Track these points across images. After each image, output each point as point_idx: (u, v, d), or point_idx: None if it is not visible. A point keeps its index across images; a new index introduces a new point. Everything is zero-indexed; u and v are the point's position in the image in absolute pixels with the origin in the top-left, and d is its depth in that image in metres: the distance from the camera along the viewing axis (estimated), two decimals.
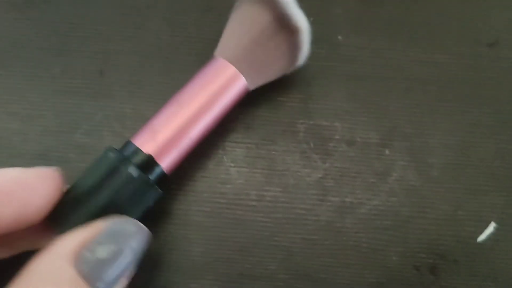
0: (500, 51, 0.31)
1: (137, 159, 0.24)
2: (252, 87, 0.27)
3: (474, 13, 0.32)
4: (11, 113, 0.29)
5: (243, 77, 0.26)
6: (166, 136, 0.25)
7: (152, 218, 0.27)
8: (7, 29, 0.30)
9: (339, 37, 0.31)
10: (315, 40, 0.30)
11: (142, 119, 0.25)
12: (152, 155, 0.24)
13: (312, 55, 0.30)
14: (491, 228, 0.28)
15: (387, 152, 0.29)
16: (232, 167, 0.28)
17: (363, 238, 0.27)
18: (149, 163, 0.24)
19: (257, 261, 0.27)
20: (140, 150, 0.24)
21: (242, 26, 0.26)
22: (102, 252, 0.20)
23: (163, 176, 0.25)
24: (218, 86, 0.25)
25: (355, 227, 0.28)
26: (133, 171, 0.23)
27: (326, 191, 0.28)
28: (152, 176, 0.24)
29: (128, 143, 0.25)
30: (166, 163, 0.25)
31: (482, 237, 0.28)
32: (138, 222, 0.22)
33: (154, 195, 0.24)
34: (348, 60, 0.31)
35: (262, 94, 0.29)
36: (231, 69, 0.26)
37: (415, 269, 0.27)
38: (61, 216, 0.23)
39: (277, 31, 0.26)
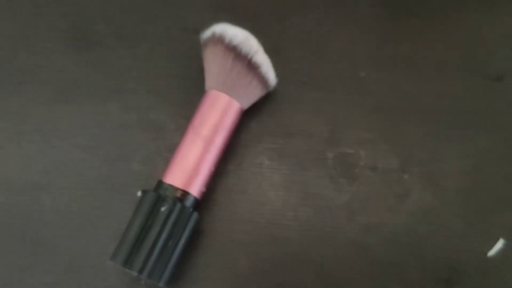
0: (507, 85, 0.35)
1: (171, 194, 0.28)
2: (246, 106, 0.31)
3: (484, 50, 0.35)
4: (76, 144, 0.33)
5: (236, 101, 0.30)
6: (189, 168, 0.29)
7: (201, 237, 0.31)
8: (71, 70, 0.35)
9: (362, 73, 0.35)
10: (340, 76, 0.34)
11: None
12: (182, 187, 0.29)
13: (338, 90, 0.34)
14: (500, 244, 0.31)
15: (405, 176, 0.33)
16: (269, 190, 0.32)
17: (386, 254, 0.31)
18: (182, 195, 0.29)
19: (293, 273, 0.31)
20: (172, 186, 0.29)
21: (216, 64, 0.31)
22: None
23: (196, 202, 0.29)
24: (219, 114, 0.30)
25: (378, 244, 0.31)
26: (171, 205, 0.28)
27: (352, 212, 0.32)
28: (188, 204, 0.29)
29: (160, 182, 0.29)
30: (195, 190, 0.29)
31: (492, 252, 0.31)
32: None
33: (193, 218, 0.29)
34: (370, 93, 0.34)
35: (294, 127, 0.33)
36: (224, 97, 0.30)
37: (433, 282, 0.31)
38: (125, 254, 0.27)
39: (243, 66, 0.30)
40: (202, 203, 0.31)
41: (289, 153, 0.33)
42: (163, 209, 0.28)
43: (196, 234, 0.31)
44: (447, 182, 0.32)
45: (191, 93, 0.33)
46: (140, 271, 0.27)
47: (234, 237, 0.31)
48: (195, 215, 0.29)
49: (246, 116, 0.33)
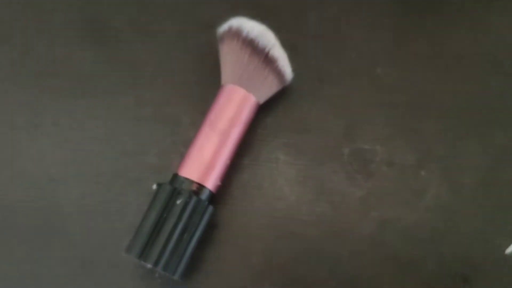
0: None
1: (187, 187, 0.28)
2: (262, 101, 0.31)
3: (502, 47, 0.35)
4: (92, 138, 0.33)
5: (252, 95, 0.30)
6: (205, 162, 0.29)
7: (215, 231, 0.31)
8: (86, 64, 0.35)
9: (378, 70, 0.35)
10: (356, 73, 0.34)
11: None
12: (198, 181, 0.29)
13: (354, 86, 0.34)
14: None
15: (422, 173, 0.32)
16: (285, 186, 0.32)
17: (402, 250, 0.31)
18: (198, 188, 0.29)
19: (308, 269, 0.31)
20: (188, 179, 0.29)
21: (233, 58, 0.31)
22: None
23: (211, 195, 0.29)
24: (235, 108, 0.30)
25: (394, 240, 0.31)
26: (186, 198, 0.28)
27: (368, 208, 0.32)
28: (203, 197, 0.29)
29: (175, 175, 0.29)
30: (211, 184, 0.29)
31: (509, 250, 0.31)
32: None
33: (209, 211, 0.29)
34: (386, 90, 0.34)
35: (310, 123, 0.33)
36: (240, 91, 0.30)
37: (450, 279, 0.30)
38: (140, 247, 0.27)
39: (260, 60, 0.30)
40: (218, 197, 0.31)
41: (305, 149, 0.33)
42: (178, 202, 0.28)
43: (211, 228, 0.31)
44: (464, 178, 0.32)
45: (206, 88, 0.33)
46: (155, 264, 0.27)
47: (249, 231, 0.31)
48: (210, 208, 0.29)
49: (262, 111, 0.33)
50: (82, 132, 0.33)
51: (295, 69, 0.32)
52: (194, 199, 0.28)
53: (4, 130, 0.33)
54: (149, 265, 0.27)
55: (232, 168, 0.31)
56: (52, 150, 0.33)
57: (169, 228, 0.27)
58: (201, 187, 0.29)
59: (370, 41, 0.35)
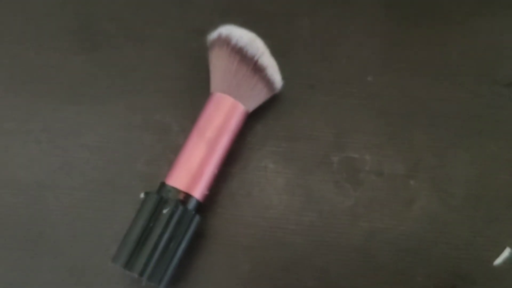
0: None
1: (174, 196, 0.28)
2: (251, 109, 0.31)
3: (493, 56, 0.35)
4: (81, 144, 0.33)
5: (240, 103, 0.30)
6: (193, 171, 0.29)
7: (203, 240, 0.31)
8: (77, 70, 0.35)
9: (369, 78, 0.34)
10: (347, 80, 0.34)
11: None
12: (185, 190, 0.29)
13: (345, 93, 0.33)
14: (506, 253, 0.31)
15: (412, 182, 0.32)
16: (273, 194, 0.32)
17: (390, 260, 0.31)
18: (185, 197, 0.29)
19: (297, 278, 0.31)
20: (175, 188, 0.29)
21: (222, 65, 0.31)
22: None
23: (199, 204, 0.29)
24: (224, 116, 0.30)
25: (383, 250, 0.31)
26: (173, 208, 0.28)
27: (357, 217, 0.32)
28: (190, 207, 0.28)
29: (163, 184, 0.29)
30: (198, 193, 0.29)
31: (498, 261, 0.31)
32: None
33: (195, 221, 0.29)
34: (377, 97, 0.34)
35: (299, 131, 0.33)
36: (229, 100, 0.30)
37: None
38: (126, 256, 0.27)
39: (249, 68, 0.30)
40: (206, 206, 0.31)
41: (294, 157, 0.33)
42: (165, 211, 0.28)
43: (199, 237, 0.31)
44: (454, 188, 0.32)
45: (197, 95, 0.33)
46: (141, 274, 0.27)
47: (237, 240, 0.31)
48: (197, 218, 0.29)
49: (251, 118, 0.32)
50: (72, 139, 0.33)
51: (285, 76, 0.32)
52: (180, 208, 0.28)
53: None
54: (135, 275, 0.27)
55: (221, 176, 0.31)
56: (41, 157, 0.33)
57: (155, 237, 0.27)
58: (188, 196, 0.29)
59: (362, 48, 0.35)
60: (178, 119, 0.34)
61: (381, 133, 0.33)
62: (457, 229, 0.31)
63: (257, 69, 0.30)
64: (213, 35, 0.31)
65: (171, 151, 0.33)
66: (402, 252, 0.31)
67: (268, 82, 0.31)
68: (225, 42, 0.30)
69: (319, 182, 0.32)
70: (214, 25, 0.31)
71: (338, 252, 0.31)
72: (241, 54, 0.30)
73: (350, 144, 0.33)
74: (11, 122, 0.33)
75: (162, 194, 0.29)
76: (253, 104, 0.32)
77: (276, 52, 0.31)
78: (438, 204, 0.32)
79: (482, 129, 0.33)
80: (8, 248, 0.31)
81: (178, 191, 0.29)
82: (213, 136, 0.30)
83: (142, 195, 0.29)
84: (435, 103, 0.34)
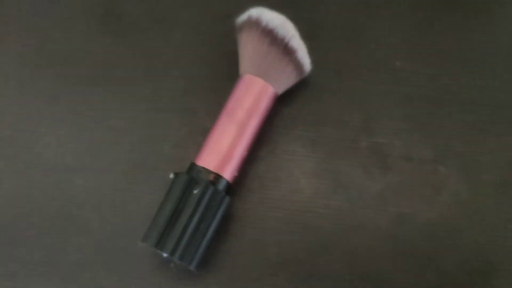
0: None
1: (204, 176, 0.28)
2: (280, 92, 0.31)
3: None
4: (108, 127, 0.33)
5: (270, 86, 0.30)
6: (223, 152, 0.29)
7: (231, 222, 0.31)
8: (103, 52, 0.35)
9: (397, 63, 0.34)
10: (375, 65, 0.33)
11: None
12: (215, 171, 0.29)
13: (373, 79, 0.33)
14: None
15: (441, 168, 0.32)
16: (302, 178, 0.32)
17: (419, 245, 0.31)
18: (215, 178, 0.28)
19: (324, 262, 0.30)
20: (205, 168, 0.28)
21: (252, 48, 0.30)
22: None
23: (228, 186, 0.29)
24: (254, 98, 0.30)
25: (412, 235, 0.31)
26: (203, 188, 0.28)
27: (385, 202, 0.31)
28: (220, 187, 0.28)
29: (193, 164, 0.29)
30: (228, 174, 0.29)
31: None
32: None
33: (226, 202, 0.29)
34: (405, 83, 0.34)
35: (327, 116, 0.33)
36: (259, 81, 0.30)
37: (467, 275, 0.30)
38: (157, 236, 0.27)
39: (279, 50, 0.30)
40: (234, 189, 0.31)
41: (322, 141, 0.33)
42: (195, 191, 0.28)
43: (227, 219, 0.30)
44: (483, 175, 0.32)
45: (223, 78, 0.33)
46: (172, 253, 0.27)
47: (264, 223, 0.31)
48: (227, 199, 0.29)
49: (280, 102, 0.32)
50: (99, 121, 0.33)
51: (313, 60, 0.32)
52: (211, 189, 0.28)
53: (22, 115, 0.33)
54: (165, 255, 0.27)
55: (249, 159, 0.31)
56: (69, 139, 0.33)
57: (186, 217, 0.27)
58: (218, 177, 0.29)
59: (390, 34, 0.35)
60: (204, 102, 0.33)
61: (409, 118, 0.33)
62: (487, 215, 0.31)
63: (287, 51, 0.30)
64: (243, 17, 0.31)
65: (198, 134, 0.32)
66: (431, 238, 0.31)
67: (297, 65, 0.31)
68: (255, 24, 0.30)
69: (348, 167, 0.32)
70: (241, 9, 0.31)
71: (366, 237, 0.31)
72: (271, 36, 0.30)
73: (378, 129, 0.33)
74: (37, 103, 0.33)
75: (192, 175, 0.28)
76: (282, 87, 0.31)
77: (303, 37, 0.31)
78: (467, 190, 0.31)
79: (511, 116, 0.33)
80: (37, 227, 0.31)
81: (208, 171, 0.29)
82: (243, 118, 0.29)
83: (171, 176, 0.29)
84: (464, 90, 0.34)
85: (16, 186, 0.32)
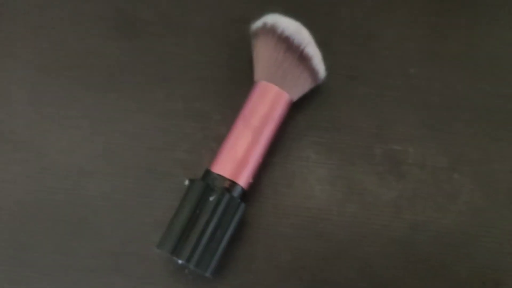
0: None
1: (220, 183, 0.28)
2: (295, 98, 0.31)
3: None
4: (121, 131, 0.33)
5: (286, 92, 0.30)
6: (238, 159, 0.29)
7: (246, 229, 0.31)
8: (117, 57, 0.35)
9: (411, 70, 0.34)
10: (389, 72, 0.33)
11: None
12: (231, 178, 0.29)
13: (387, 85, 0.33)
14: None
15: (455, 176, 0.32)
16: (315, 185, 0.32)
17: (433, 253, 0.31)
18: (230, 185, 0.28)
19: (337, 270, 0.30)
20: (220, 175, 0.28)
21: (267, 54, 0.30)
22: None
23: (243, 192, 0.29)
24: (269, 105, 0.30)
25: (426, 243, 0.31)
26: (219, 195, 0.28)
27: (400, 209, 0.31)
28: (235, 194, 0.28)
29: (208, 171, 0.29)
30: (243, 181, 0.29)
31: None
32: None
33: (241, 208, 0.29)
34: (419, 90, 0.34)
35: (341, 122, 0.33)
36: (274, 88, 0.30)
37: (482, 284, 0.30)
38: (173, 242, 0.27)
39: (295, 57, 0.30)
40: (247, 195, 0.31)
41: (336, 148, 0.32)
42: (211, 198, 0.28)
43: (242, 226, 0.30)
44: (498, 182, 0.32)
45: (236, 84, 0.33)
46: (188, 260, 0.27)
47: (278, 230, 0.31)
48: (242, 206, 0.29)
49: (294, 109, 0.32)
50: (112, 125, 0.33)
51: (327, 66, 0.32)
52: (227, 196, 0.28)
53: (35, 120, 0.33)
54: (180, 261, 0.27)
55: (263, 165, 0.31)
56: (82, 143, 0.33)
57: (202, 224, 0.27)
58: (233, 184, 0.29)
59: (404, 40, 0.35)
60: (218, 108, 0.33)
61: (423, 125, 0.33)
62: (502, 223, 0.31)
63: (303, 58, 0.30)
64: (258, 24, 0.31)
65: (212, 139, 0.33)
66: (445, 246, 0.31)
67: (313, 71, 0.31)
68: (271, 31, 0.30)
69: (362, 174, 0.32)
70: (254, 14, 0.31)
71: (380, 244, 0.31)
72: (287, 43, 0.30)
73: (392, 136, 0.33)
74: (51, 107, 0.33)
75: (207, 181, 0.28)
76: (297, 94, 0.31)
77: (317, 43, 0.31)
78: (482, 198, 0.31)
79: None
80: (50, 231, 0.31)
81: (224, 178, 0.29)
82: (258, 125, 0.29)
83: (186, 182, 0.29)
84: (479, 97, 0.34)
85: (29, 191, 0.32)
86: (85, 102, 0.34)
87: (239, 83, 0.33)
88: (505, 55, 0.34)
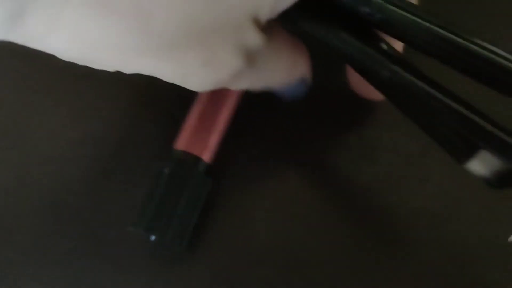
0: None
1: (176, 156, 0.30)
2: None
3: None
4: (100, 117, 0.34)
5: None
6: (201, 133, 0.30)
7: (218, 208, 0.32)
8: None
9: None
10: None
11: None
12: (194, 152, 0.30)
13: None
14: None
15: (427, 160, 0.33)
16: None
17: (402, 236, 0.31)
18: (194, 159, 0.30)
19: (309, 251, 0.31)
20: (178, 150, 0.30)
21: None
22: None
23: (209, 167, 0.31)
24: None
25: (397, 225, 0.32)
26: (172, 167, 0.29)
27: (373, 193, 0.32)
28: (200, 169, 0.30)
29: (174, 150, 0.31)
30: (207, 155, 0.31)
31: None
32: None
33: (207, 183, 0.30)
34: None
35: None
36: None
37: (450, 265, 0.31)
38: (146, 220, 0.29)
39: None
40: (218, 172, 0.32)
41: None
42: (166, 170, 0.29)
43: (212, 205, 0.31)
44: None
45: None
46: (161, 236, 0.28)
47: (253, 211, 0.32)
48: (209, 180, 0.30)
49: None
50: (90, 112, 0.34)
51: None
52: (182, 167, 0.29)
53: (17, 109, 0.34)
54: (153, 237, 0.29)
55: (235, 145, 0.32)
56: (61, 130, 0.34)
57: (167, 199, 0.29)
58: (196, 158, 0.30)
59: None
60: None
61: (395, 112, 0.34)
62: (470, 206, 0.32)
63: None
64: None
65: None
66: (415, 229, 0.31)
67: None
68: None
69: (335, 158, 0.33)
70: None
71: (356, 227, 0.32)
72: None
73: (365, 122, 0.34)
74: (33, 96, 0.34)
75: (174, 159, 0.30)
76: None
77: None
78: (451, 182, 0.32)
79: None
80: (32, 216, 0.32)
81: (181, 152, 0.30)
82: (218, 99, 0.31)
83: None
84: (452, 81, 0.34)
85: (12, 177, 0.33)
86: (63, 89, 0.34)
87: None
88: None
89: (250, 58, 0.23)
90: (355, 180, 0.33)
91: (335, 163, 0.33)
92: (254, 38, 0.22)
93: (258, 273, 0.31)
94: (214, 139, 0.31)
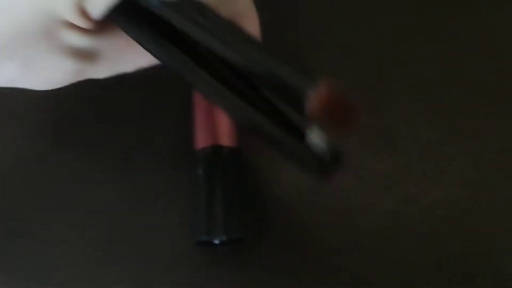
0: None
1: (201, 155, 0.30)
2: None
3: None
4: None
5: None
6: (215, 127, 0.30)
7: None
8: None
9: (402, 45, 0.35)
10: (380, 48, 0.34)
11: None
12: (208, 144, 0.30)
13: (377, 61, 0.33)
14: None
15: (447, 149, 0.32)
16: None
17: (425, 226, 0.31)
18: (211, 151, 0.30)
19: (332, 239, 0.31)
20: (200, 149, 0.30)
21: None
22: None
23: (236, 150, 0.31)
24: None
25: (418, 215, 0.31)
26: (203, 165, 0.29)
27: (392, 183, 0.32)
28: (222, 155, 0.30)
29: (195, 151, 0.31)
30: (226, 140, 0.30)
31: None
32: None
33: (233, 162, 0.30)
34: (410, 66, 0.34)
35: None
36: None
37: (473, 255, 0.31)
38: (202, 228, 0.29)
39: None
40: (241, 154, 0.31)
41: None
42: (199, 172, 0.29)
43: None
44: (490, 155, 0.32)
45: None
46: (221, 235, 0.29)
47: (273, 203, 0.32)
48: (237, 160, 0.30)
49: None
50: None
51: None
52: (211, 161, 0.30)
53: None
54: (216, 241, 0.29)
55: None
56: None
57: (212, 196, 0.29)
58: (213, 148, 0.30)
59: (394, 15, 0.35)
60: None
61: (415, 100, 0.34)
62: (493, 195, 0.31)
63: None
64: None
65: None
66: (436, 218, 0.31)
67: None
68: None
69: (355, 147, 0.33)
70: None
71: (371, 217, 0.31)
72: None
73: (384, 111, 0.33)
74: None
75: (200, 159, 0.30)
76: None
77: None
78: (473, 171, 0.32)
79: None
80: (51, 206, 0.32)
81: (203, 150, 0.30)
82: None
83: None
84: (471, 72, 0.34)
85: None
86: None
87: None
88: (499, 31, 0.35)
89: (86, 55, 0.24)
90: (374, 169, 0.32)
91: (355, 151, 0.32)
92: (77, 39, 0.23)
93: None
94: (225, 124, 0.31)
